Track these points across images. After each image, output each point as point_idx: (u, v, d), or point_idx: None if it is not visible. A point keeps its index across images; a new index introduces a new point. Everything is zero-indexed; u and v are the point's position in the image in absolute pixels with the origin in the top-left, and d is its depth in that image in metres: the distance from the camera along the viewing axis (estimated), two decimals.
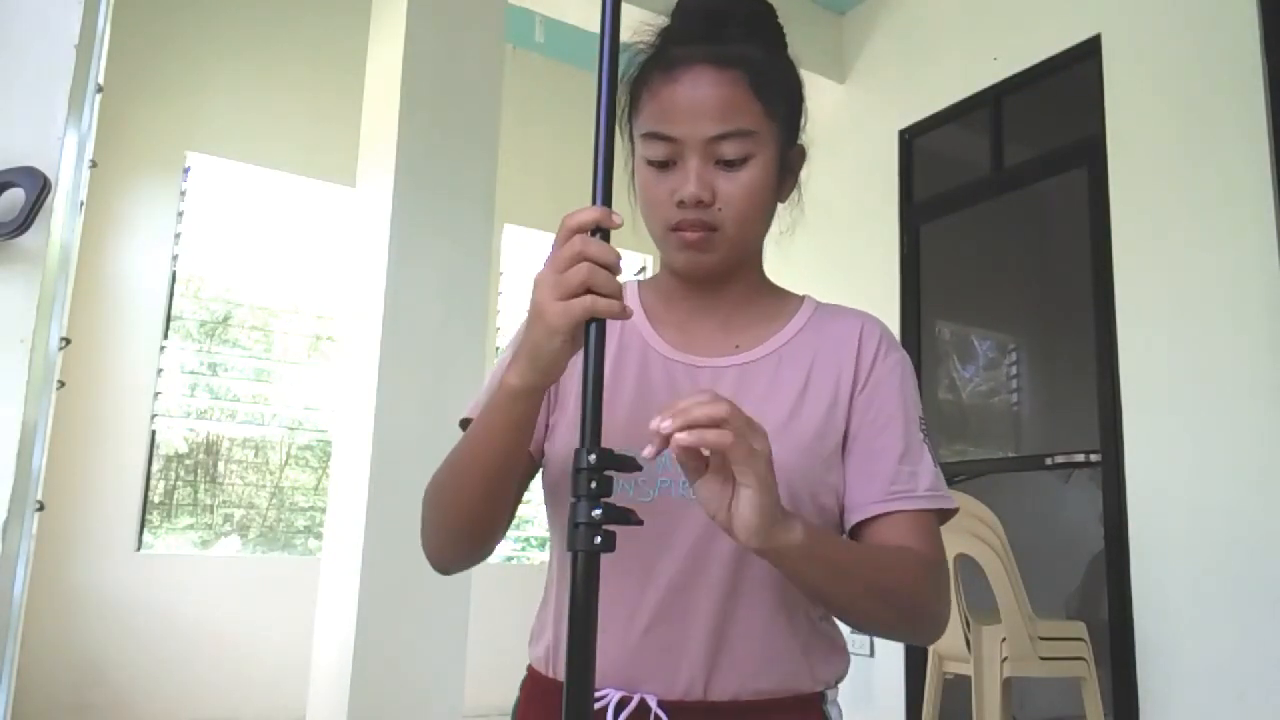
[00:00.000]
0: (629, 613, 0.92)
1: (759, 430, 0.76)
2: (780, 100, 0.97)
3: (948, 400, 4.88)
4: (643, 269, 5.33)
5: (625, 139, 1.00)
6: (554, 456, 1.01)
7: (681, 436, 0.72)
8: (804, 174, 1.06)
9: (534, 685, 1.02)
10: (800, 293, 1.09)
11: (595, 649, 0.71)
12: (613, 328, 1.00)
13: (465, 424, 1.04)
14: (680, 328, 1.02)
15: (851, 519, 0.95)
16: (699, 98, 0.92)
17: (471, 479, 0.96)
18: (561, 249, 0.76)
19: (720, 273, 0.98)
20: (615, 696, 0.90)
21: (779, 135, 0.96)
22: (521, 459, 0.94)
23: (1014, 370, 5.10)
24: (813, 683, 0.95)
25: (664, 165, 0.94)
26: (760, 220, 0.97)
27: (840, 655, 0.99)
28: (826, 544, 0.86)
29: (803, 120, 1.03)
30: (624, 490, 0.87)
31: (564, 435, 0.99)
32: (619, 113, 0.96)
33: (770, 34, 1.02)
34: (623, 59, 0.91)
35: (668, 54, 0.95)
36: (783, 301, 1.05)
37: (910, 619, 0.92)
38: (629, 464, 0.73)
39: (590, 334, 0.75)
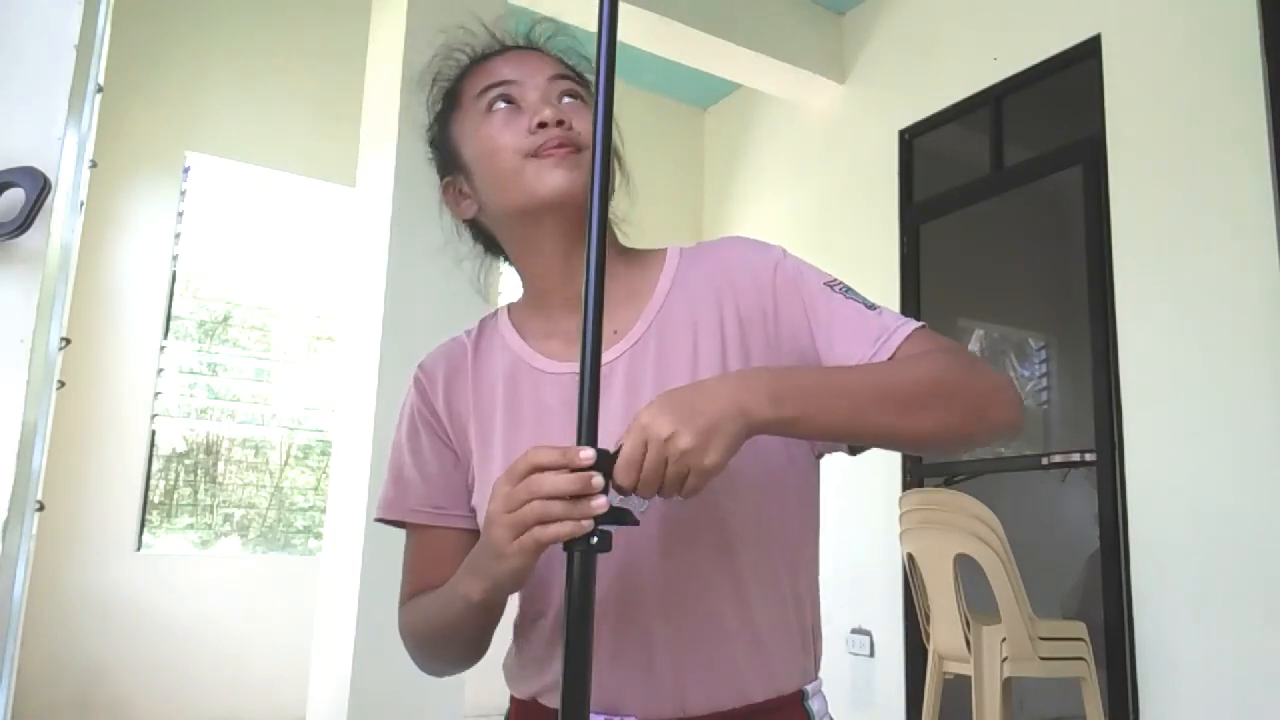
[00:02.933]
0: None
1: (675, 436, 0.73)
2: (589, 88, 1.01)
3: None
4: None
5: (437, 157, 1.09)
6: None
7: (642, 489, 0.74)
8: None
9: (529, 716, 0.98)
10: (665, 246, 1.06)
11: (592, 647, 0.71)
12: (495, 360, 1.02)
13: (382, 521, 1.04)
14: (554, 333, 0.99)
15: None
16: (530, 57, 1.00)
17: (448, 649, 0.97)
18: (515, 488, 0.74)
19: (583, 198, 0.87)
20: None
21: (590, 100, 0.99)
22: (493, 622, 0.93)
23: (1014, 369, 5.10)
24: (790, 680, 0.93)
25: (508, 108, 0.96)
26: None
27: (811, 648, 0.96)
28: (817, 381, 0.82)
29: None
30: None
31: (495, 476, 0.93)
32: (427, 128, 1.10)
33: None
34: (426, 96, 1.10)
35: (476, 60, 1.04)
36: (645, 266, 1.01)
37: (971, 402, 0.85)
38: (627, 518, 0.75)
39: (587, 333, 0.75)
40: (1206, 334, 3.00)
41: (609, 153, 0.77)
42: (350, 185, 3.65)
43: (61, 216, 1.06)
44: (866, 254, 4.31)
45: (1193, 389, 3.01)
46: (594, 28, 0.76)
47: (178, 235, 4.09)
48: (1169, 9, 3.25)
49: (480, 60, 1.03)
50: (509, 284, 4.44)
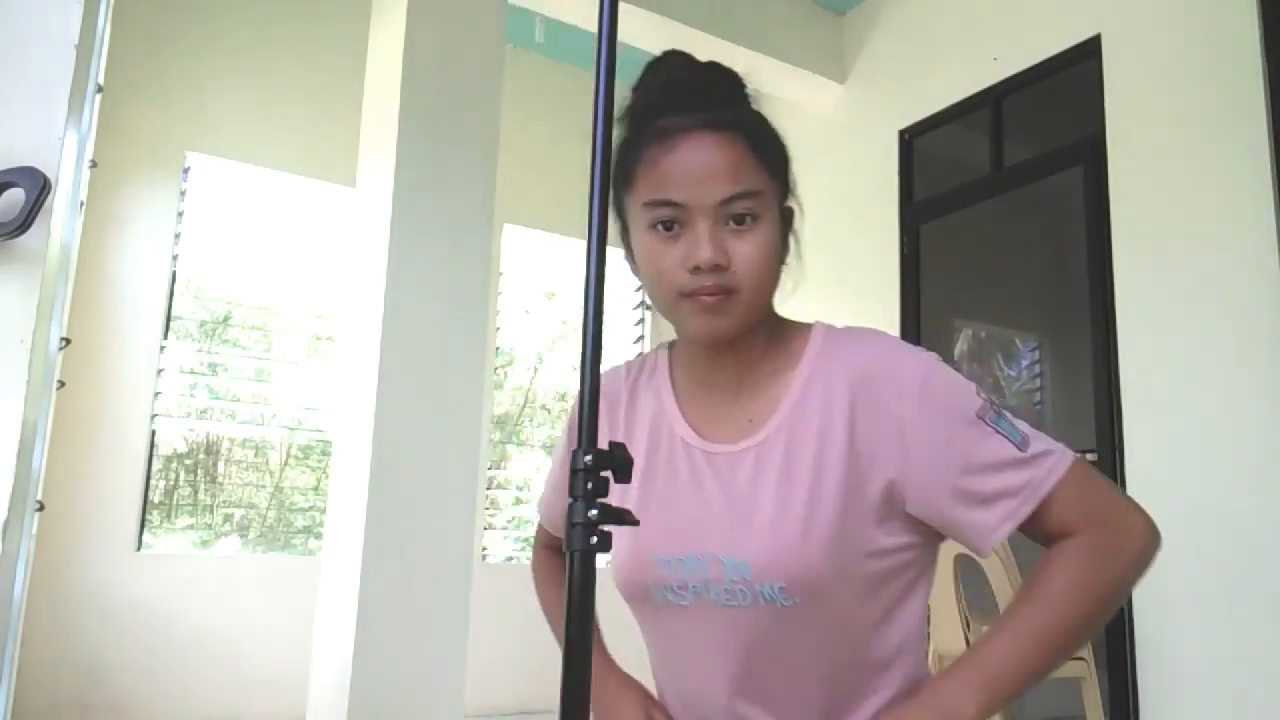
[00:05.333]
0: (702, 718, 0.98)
1: None
2: (776, 159, 0.98)
3: None
4: None
5: (615, 215, 1.00)
6: (617, 571, 1.04)
7: None
8: (797, 172, 1.08)
9: None
10: (808, 320, 1.05)
11: (591, 646, 0.71)
12: (648, 404, 1.07)
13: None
14: (700, 400, 1.04)
15: (987, 545, 0.92)
16: (703, 162, 0.92)
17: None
18: None
19: (736, 336, 0.97)
20: None
21: (778, 194, 0.98)
22: None
23: (1014, 369, 5.10)
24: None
25: (670, 232, 0.93)
26: (772, 279, 0.97)
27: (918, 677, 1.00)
28: (1007, 652, 0.88)
29: (792, 180, 1.02)
30: (664, 596, 0.98)
31: (620, 544, 1.01)
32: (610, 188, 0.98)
33: (748, 99, 1.02)
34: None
35: (655, 125, 0.95)
36: (789, 345, 1.01)
37: (1124, 585, 0.91)
38: (627, 517, 0.76)
39: (588, 332, 0.75)
40: (1206, 334, 3.00)
41: (609, 151, 0.77)
42: (350, 185, 3.65)
43: (61, 216, 1.06)
44: (866, 254, 4.31)
45: (1193, 389, 3.01)
46: (594, 28, 0.76)
47: (178, 235, 4.09)
48: (1169, 9, 3.25)
49: (658, 140, 0.94)
50: (508, 295, 4.39)
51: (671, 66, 1.00)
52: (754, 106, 1.01)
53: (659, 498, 1.00)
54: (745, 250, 0.92)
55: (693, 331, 0.97)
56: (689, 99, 0.95)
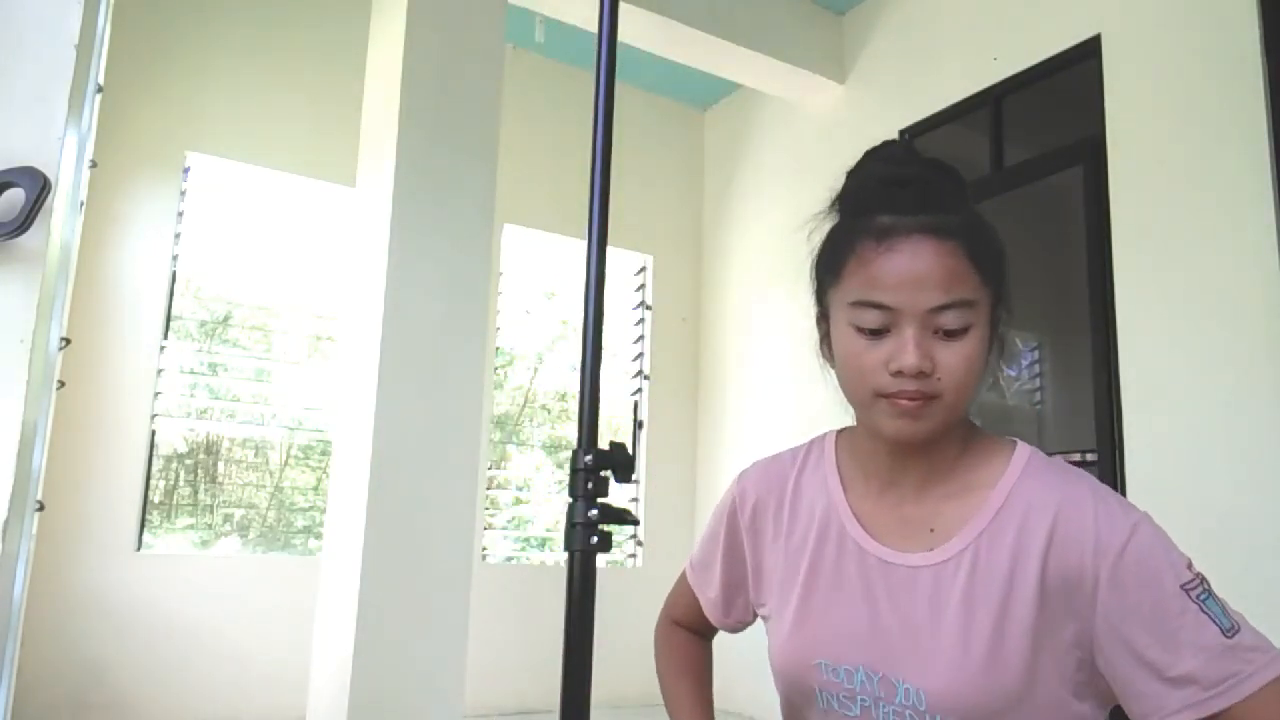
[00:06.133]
0: None
1: None
2: (993, 267, 0.94)
3: None
4: (643, 269, 5.34)
5: (815, 298, 1.00)
6: (775, 665, 1.02)
7: None
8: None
9: None
10: (1009, 441, 0.99)
11: (592, 646, 0.71)
12: (815, 500, 1.03)
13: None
14: (874, 498, 1.00)
15: None
16: (920, 269, 0.89)
17: None
18: None
19: (931, 440, 0.94)
20: None
21: (991, 301, 0.94)
22: None
23: (1013, 369, 5.10)
24: None
25: (876, 333, 0.91)
26: (975, 386, 0.93)
27: None
28: None
29: (1007, 286, 0.97)
30: (830, 702, 0.95)
31: (780, 642, 1.01)
32: (811, 278, 1.00)
33: (967, 196, 0.99)
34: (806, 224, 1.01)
35: (874, 222, 0.92)
36: (988, 460, 0.96)
37: None
38: (628, 517, 0.76)
39: (588, 332, 0.75)
40: (1206, 334, 3.00)
41: (609, 151, 0.77)
42: (350, 185, 3.65)
43: (61, 216, 1.06)
44: None
45: (1193, 389, 3.01)
46: (594, 28, 0.76)
47: (178, 235, 4.09)
48: (1169, 9, 3.25)
49: (875, 239, 0.92)
50: (508, 295, 4.39)
51: (896, 161, 0.99)
52: (972, 207, 0.98)
53: (825, 597, 0.98)
54: (951, 360, 0.89)
55: (888, 432, 0.93)
56: (912, 199, 0.93)
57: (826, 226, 1.02)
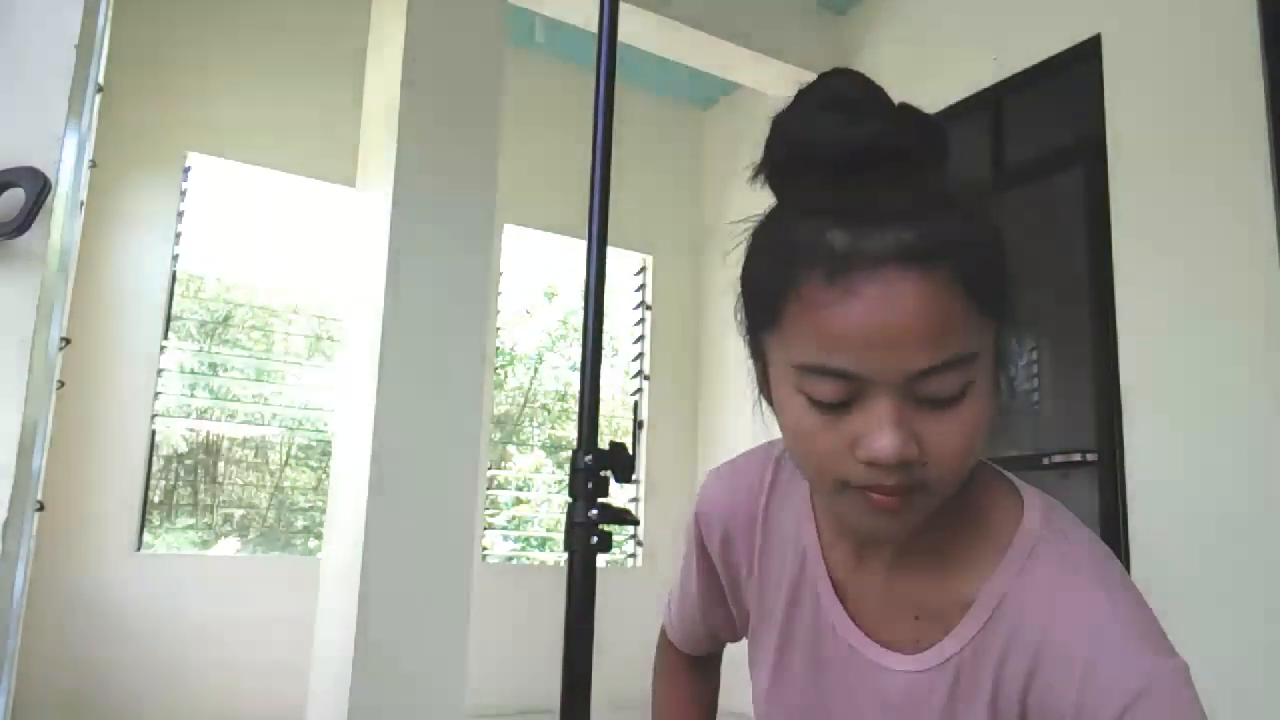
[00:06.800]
0: None
1: None
2: (998, 286, 0.65)
3: None
4: (643, 269, 5.34)
5: (747, 345, 0.75)
6: (756, 699, 0.88)
7: None
8: None
9: None
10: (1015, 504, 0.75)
11: (592, 646, 0.71)
12: (787, 549, 0.83)
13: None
14: (855, 566, 0.79)
15: None
16: (897, 321, 0.60)
17: None
18: None
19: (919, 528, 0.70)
20: None
21: (997, 333, 0.67)
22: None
23: (1013, 369, 5.10)
24: None
25: (835, 406, 0.64)
26: (977, 455, 0.68)
27: None
28: None
29: (1011, 305, 0.68)
30: None
31: (758, 702, 0.87)
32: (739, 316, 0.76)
33: (943, 165, 0.68)
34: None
35: (825, 243, 0.62)
36: (985, 536, 0.74)
37: None
38: (627, 516, 0.74)
39: (588, 332, 0.75)
40: (1207, 334, 3.00)
41: (609, 151, 0.77)
42: (350, 185, 3.65)
43: (61, 216, 1.06)
44: None
45: (1193, 389, 3.01)
46: (594, 28, 0.76)
47: (178, 235, 4.09)
48: (1169, 9, 3.25)
49: (826, 274, 0.62)
50: (508, 295, 4.39)
51: (849, 110, 0.65)
52: (962, 192, 0.66)
53: (800, 686, 0.81)
54: (944, 438, 0.63)
55: (859, 530, 0.73)
56: (880, 196, 0.62)
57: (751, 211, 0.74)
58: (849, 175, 0.63)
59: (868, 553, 0.78)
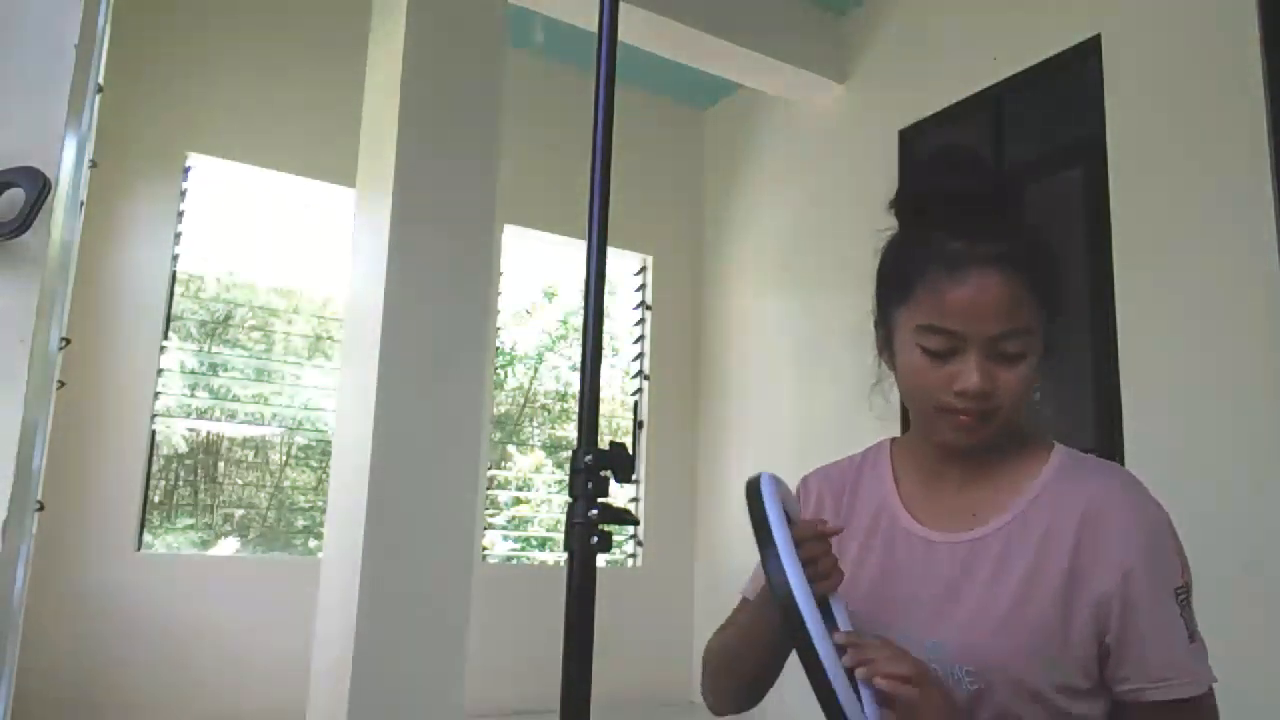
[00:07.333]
0: None
1: (939, 685, 0.91)
2: (1052, 291, 1.02)
3: None
4: (643, 268, 5.34)
5: (877, 311, 1.11)
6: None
7: (879, 682, 0.87)
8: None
9: None
10: (1045, 442, 1.09)
11: (592, 646, 0.71)
12: (871, 496, 1.14)
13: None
14: (922, 490, 1.10)
15: (1132, 681, 0.96)
16: (987, 300, 0.96)
17: (742, 664, 1.14)
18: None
19: (984, 446, 1.04)
20: None
21: (1047, 321, 1.02)
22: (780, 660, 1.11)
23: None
24: None
25: (940, 354, 0.99)
26: (1028, 399, 1.02)
27: None
28: None
29: (1061, 298, 1.05)
30: None
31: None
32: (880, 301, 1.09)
33: (1020, 204, 1.05)
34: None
35: (947, 249, 0.98)
36: (1028, 458, 1.07)
37: None
38: (627, 516, 0.76)
39: (588, 332, 0.75)
40: (1207, 334, 3.00)
41: (609, 151, 0.77)
42: (350, 185, 3.65)
43: (61, 216, 1.06)
44: (866, 255, 4.31)
45: (1193, 388, 3.01)
46: (594, 28, 0.76)
47: (178, 235, 4.09)
48: (1169, 9, 3.25)
49: (947, 267, 0.98)
50: (508, 295, 4.38)
51: (964, 172, 1.04)
52: (1030, 225, 1.04)
53: (870, 578, 1.07)
54: (1009, 381, 0.98)
55: (948, 442, 1.03)
56: (982, 224, 0.99)
57: (886, 231, 1.12)
58: (963, 209, 1.00)
59: (933, 483, 1.10)
